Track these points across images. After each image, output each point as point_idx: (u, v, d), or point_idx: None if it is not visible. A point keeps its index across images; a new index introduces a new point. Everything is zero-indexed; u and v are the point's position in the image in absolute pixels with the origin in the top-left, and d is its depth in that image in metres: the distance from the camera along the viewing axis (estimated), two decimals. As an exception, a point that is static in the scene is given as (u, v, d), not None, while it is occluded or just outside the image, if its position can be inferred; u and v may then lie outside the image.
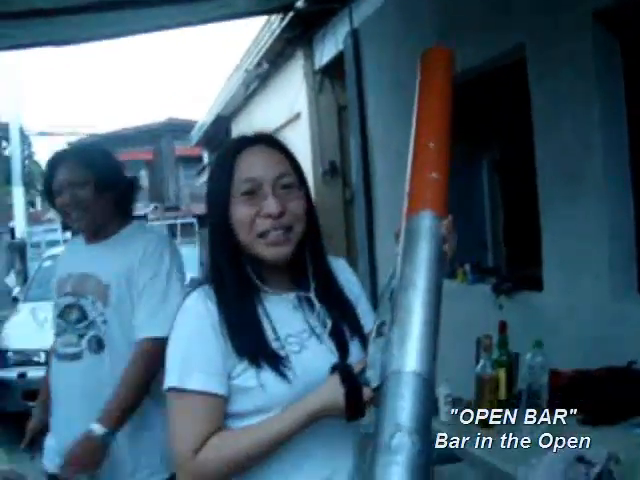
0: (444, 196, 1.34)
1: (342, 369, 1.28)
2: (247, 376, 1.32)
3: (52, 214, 23.35)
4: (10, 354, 5.75)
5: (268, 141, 1.44)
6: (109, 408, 2.12)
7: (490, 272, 4.57)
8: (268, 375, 1.31)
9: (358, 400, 1.24)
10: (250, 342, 1.33)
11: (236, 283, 1.37)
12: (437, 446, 2.72)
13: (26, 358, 5.72)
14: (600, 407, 2.62)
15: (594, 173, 3.17)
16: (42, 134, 24.94)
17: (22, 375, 5.59)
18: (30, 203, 25.67)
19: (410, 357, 1.15)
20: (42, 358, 5.67)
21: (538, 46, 3.50)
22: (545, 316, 3.53)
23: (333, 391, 1.25)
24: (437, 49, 1.55)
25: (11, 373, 5.60)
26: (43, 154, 29.16)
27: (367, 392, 1.23)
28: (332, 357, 1.36)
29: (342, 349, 1.38)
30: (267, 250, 1.37)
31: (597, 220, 3.19)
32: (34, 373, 5.59)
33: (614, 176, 3.15)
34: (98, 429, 2.09)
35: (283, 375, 1.31)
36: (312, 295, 1.42)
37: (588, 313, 3.26)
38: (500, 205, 6.61)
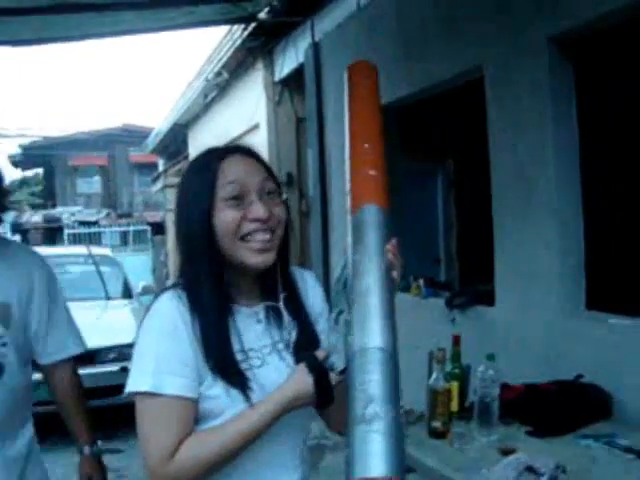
0: (384, 190, 1.40)
1: (308, 358, 1.31)
2: (216, 385, 1.32)
3: None
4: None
5: (246, 151, 1.44)
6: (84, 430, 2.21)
7: (443, 287, 4.64)
8: (235, 391, 1.32)
9: (327, 385, 1.28)
10: (220, 357, 1.33)
11: (213, 294, 1.35)
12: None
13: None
14: (548, 420, 2.69)
15: (546, 192, 3.26)
16: (-8, 136, 24.34)
17: None
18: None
19: (373, 334, 1.20)
20: None
21: (495, 67, 3.59)
22: (496, 330, 3.60)
23: (302, 379, 1.28)
24: (363, 62, 1.64)
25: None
26: (-8, 156, 28.53)
27: (334, 377, 1.28)
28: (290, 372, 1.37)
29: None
30: (252, 256, 1.36)
31: (548, 238, 3.28)
32: None
33: (565, 195, 3.24)
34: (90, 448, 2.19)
35: (246, 396, 1.32)
36: (282, 306, 1.42)
37: (538, 328, 3.35)
38: (454, 221, 6.74)
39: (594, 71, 3.34)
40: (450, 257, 6.79)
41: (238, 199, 1.35)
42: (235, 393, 1.32)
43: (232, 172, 1.36)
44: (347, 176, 1.46)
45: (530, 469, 2.09)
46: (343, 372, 1.27)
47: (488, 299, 3.76)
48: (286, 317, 1.42)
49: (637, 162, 3.83)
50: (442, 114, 5.46)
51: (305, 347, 1.40)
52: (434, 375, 2.61)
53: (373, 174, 1.42)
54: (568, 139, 3.24)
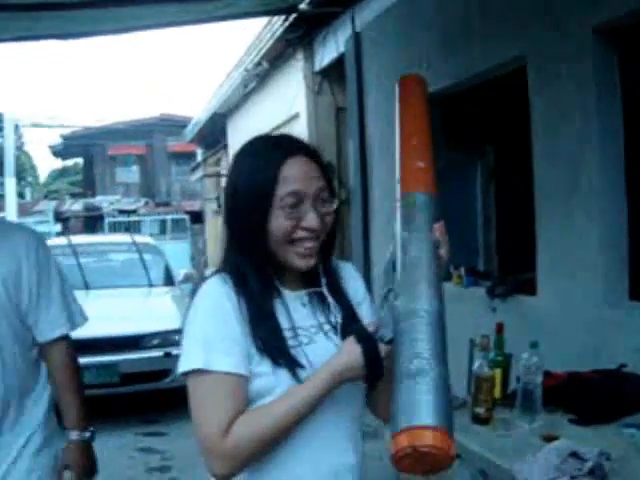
0: (432, 178, 1.49)
1: (357, 330, 1.34)
2: (262, 363, 1.37)
3: (42, 206, 23.31)
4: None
5: (308, 151, 1.45)
6: (74, 413, 2.13)
7: (484, 276, 4.66)
8: (282, 370, 1.36)
9: (376, 356, 1.30)
10: (270, 340, 1.38)
11: (259, 283, 1.41)
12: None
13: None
14: (592, 408, 2.72)
15: (590, 183, 3.27)
16: (35, 126, 24.82)
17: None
18: (19, 194, 25.58)
19: (420, 298, 1.27)
20: (37, 349, 5.72)
21: (539, 57, 3.60)
22: (538, 319, 3.62)
23: (352, 350, 1.31)
24: (413, 75, 1.75)
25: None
26: (34, 146, 29.10)
27: (383, 348, 1.30)
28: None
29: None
30: (297, 260, 1.41)
31: (592, 228, 3.29)
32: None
33: (609, 186, 3.25)
34: (79, 434, 2.12)
35: (294, 373, 1.36)
36: (325, 290, 1.47)
37: (580, 318, 3.37)
38: (493, 211, 6.73)
39: (639, 61, 3.33)
40: (489, 247, 6.79)
41: (294, 206, 1.38)
42: (282, 371, 1.36)
43: (292, 180, 1.38)
44: (397, 167, 1.53)
45: (574, 455, 2.13)
46: (391, 342, 1.30)
47: (529, 288, 3.78)
48: (330, 300, 1.47)
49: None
50: (482, 104, 5.45)
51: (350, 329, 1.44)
52: (478, 362, 2.65)
53: (421, 165, 1.49)
54: (612, 129, 3.24)
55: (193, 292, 1.46)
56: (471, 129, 5.97)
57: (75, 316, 2.18)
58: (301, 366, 1.37)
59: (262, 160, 1.41)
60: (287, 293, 1.46)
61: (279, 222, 1.38)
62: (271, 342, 1.38)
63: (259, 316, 1.39)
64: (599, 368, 2.98)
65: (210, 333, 1.37)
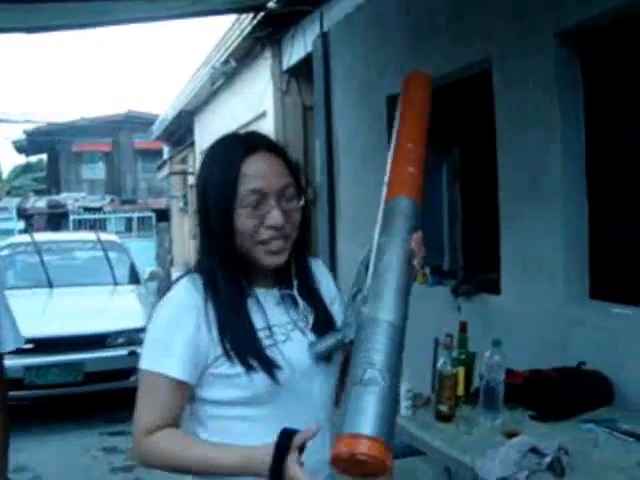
0: (419, 187, 1.49)
1: (279, 441, 1.27)
2: (231, 362, 1.37)
3: (5, 202, 22.91)
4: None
5: (271, 147, 1.45)
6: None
7: (449, 275, 4.71)
8: (257, 373, 1.37)
9: (279, 474, 1.25)
10: (239, 340, 1.38)
11: (229, 283, 1.41)
12: (397, 439, 2.87)
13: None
14: (551, 405, 2.78)
15: (552, 183, 3.33)
16: (-3, 121, 24.38)
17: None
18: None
19: (385, 308, 1.29)
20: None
21: (503, 60, 3.65)
22: (502, 318, 3.67)
23: (266, 456, 1.26)
24: (419, 72, 1.74)
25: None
26: (-3, 141, 28.61)
27: (292, 470, 1.24)
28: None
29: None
30: (266, 258, 1.42)
31: (553, 228, 3.35)
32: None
33: (571, 186, 3.30)
34: None
35: (271, 375, 1.37)
36: (295, 292, 1.48)
37: (542, 316, 3.42)
38: (459, 210, 6.80)
39: (601, 65, 3.39)
40: (454, 247, 6.85)
41: (257, 204, 1.38)
42: (257, 374, 1.36)
43: (253, 178, 1.38)
44: (387, 169, 1.54)
45: (534, 450, 2.18)
46: (352, 343, 1.33)
47: (493, 287, 3.83)
48: (301, 302, 1.48)
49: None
50: (448, 104, 5.50)
51: (323, 327, 1.47)
52: (441, 360, 2.69)
53: (412, 171, 1.50)
54: (575, 132, 3.30)
55: (160, 291, 1.48)
56: (438, 129, 6.01)
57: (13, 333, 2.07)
58: (277, 367, 1.38)
59: (224, 159, 1.42)
60: (260, 291, 1.46)
61: (243, 221, 1.38)
62: (242, 344, 1.38)
63: (229, 318, 1.40)
64: (560, 366, 3.05)
65: (165, 337, 1.40)
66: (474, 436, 2.54)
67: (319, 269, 1.60)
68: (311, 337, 1.46)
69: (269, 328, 1.42)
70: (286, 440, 1.26)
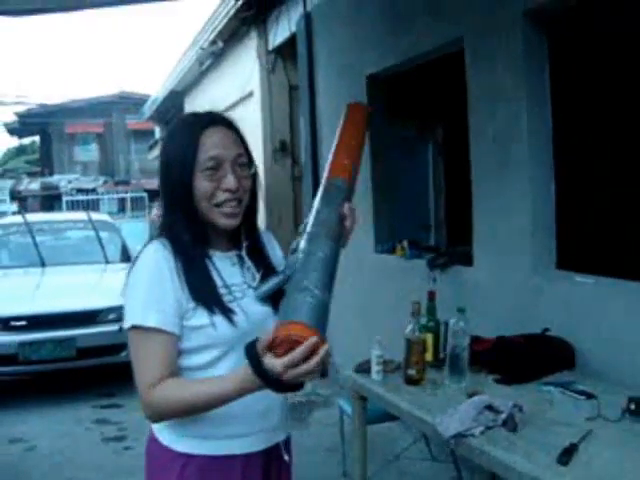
0: (351, 173, 1.83)
1: (247, 350, 1.41)
2: (199, 316, 1.54)
3: (-2, 185, 22.97)
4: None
5: (226, 122, 1.64)
6: None
7: (429, 249, 4.84)
8: (219, 318, 1.54)
9: (262, 370, 1.37)
10: (204, 291, 1.56)
11: (191, 242, 1.59)
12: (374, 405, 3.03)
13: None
14: (515, 369, 2.93)
15: (520, 158, 3.46)
16: (-11, 103, 24.32)
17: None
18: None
19: (319, 244, 1.57)
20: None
21: (474, 39, 3.76)
22: (473, 289, 3.82)
23: (247, 371, 1.40)
24: (361, 104, 2.17)
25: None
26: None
27: (271, 364, 1.36)
28: (265, 305, 1.62)
29: (272, 299, 1.63)
30: (222, 219, 1.60)
31: (522, 202, 3.48)
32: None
33: (538, 162, 3.43)
34: None
35: (230, 320, 1.55)
36: (244, 253, 1.68)
37: (511, 286, 3.57)
38: (443, 187, 6.94)
39: (568, 43, 3.51)
40: (439, 223, 7.00)
41: (214, 170, 1.57)
42: (219, 319, 1.54)
43: (211, 145, 1.57)
44: (330, 158, 1.85)
45: (490, 407, 2.33)
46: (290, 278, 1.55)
47: (468, 260, 3.97)
48: (249, 262, 1.67)
49: (605, 128, 4.03)
50: (432, 82, 5.61)
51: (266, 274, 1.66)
52: (410, 326, 2.83)
53: (347, 162, 1.84)
54: (541, 107, 3.42)
55: (136, 256, 1.62)
56: (421, 107, 6.14)
57: None
58: (236, 314, 1.55)
59: (186, 131, 1.61)
60: (217, 254, 1.64)
61: (201, 184, 1.57)
62: (205, 292, 1.55)
63: (193, 270, 1.56)
64: (526, 332, 3.20)
65: (147, 294, 1.53)
66: (439, 398, 2.69)
67: (268, 238, 1.82)
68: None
69: (227, 287, 1.60)
70: (252, 348, 1.41)
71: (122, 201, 18.96)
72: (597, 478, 1.91)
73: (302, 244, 1.59)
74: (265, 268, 1.69)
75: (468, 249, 4.06)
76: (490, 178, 3.70)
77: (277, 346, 1.35)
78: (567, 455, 2.02)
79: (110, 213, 14.41)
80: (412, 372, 2.85)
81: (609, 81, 4.64)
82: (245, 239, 1.69)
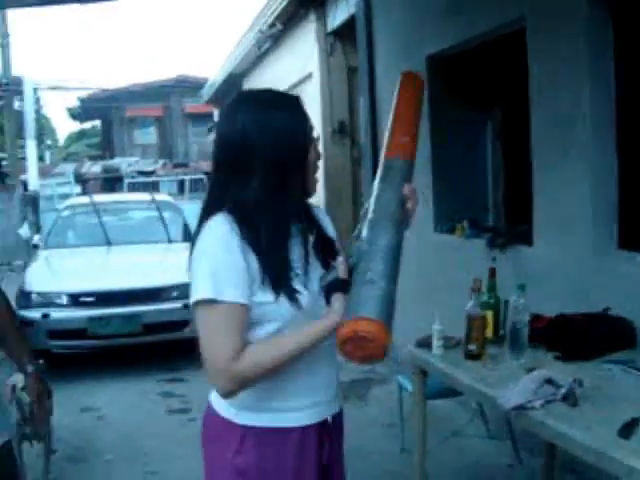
0: (413, 151, 1.83)
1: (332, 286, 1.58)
2: (264, 292, 1.56)
3: (62, 168, 23.60)
4: (34, 296, 6.06)
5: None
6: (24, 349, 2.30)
7: (488, 230, 4.86)
8: (283, 297, 1.57)
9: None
10: (278, 270, 1.57)
11: (287, 216, 1.61)
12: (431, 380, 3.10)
13: (49, 300, 6.05)
14: (575, 346, 2.95)
15: (583, 138, 3.45)
16: (52, 88, 24.99)
17: (45, 315, 5.92)
18: (39, 157, 25.84)
19: (381, 233, 1.58)
20: (64, 300, 6.03)
21: (536, 18, 3.75)
22: (533, 268, 3.84)
23: (340, 306, 1.53)
24: (414, 73, 2.07)
25: (36, 313, 5.94)
26: (52, 108, 29.28)
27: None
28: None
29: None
30: (314, 186, 1.70)
31: (584, 182, 3.48)
32: (56, 314, 5.97)
33: (600, 142, 3.41)
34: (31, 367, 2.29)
35: (295, 300, 1.57)
36: (305, 227, 1.69)
37: (572, 266, 3.58)
38: (501, 168, 6.90)
39: (633, 24, 3.47)
40: (497, 203, 6.97)
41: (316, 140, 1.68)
42: (283, 298, 1.57)
43: (310, 122, 1.68)
44: (386, 136, 1.87)
45: (550, 382, 2.37)
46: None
47: (527, 239, 3.99)
48: (311, 237, 1.70)
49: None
50: (491, 64, 5.58)
51: (328, 259, 1.69)
52: (471, 302, 2.88)
53: (406, 140, 1.83)
54: (604, 88, 3.40)
55: (196, 233, 1.62)
56: (480, 89, 6.11)
57: None
58: (300, 293, 1.58)
59: (290, 104, 1.68)
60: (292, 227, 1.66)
61: (312, 153, 1.66)
62: (278, 272, 1.57)
63: (270, 250, 1.57)
64: (586, 311, 3.21)
65: (218, 266, 1.54)
66: (499, 372, 2.73)
67: (321, 214, 1.83)
68: (318, 264, 1.68)
69: (291, 261, 1.62)
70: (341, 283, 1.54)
71: (181, 183, 19.26)
72: (659, 450, 1.94)
73: (364, 232, 1.60)
74: (323, 241, 1.72)
75: (527, 229, 4.08)
76: (551, 157, 3.70)
77: (345, 343, 1.41)
78: (628, 429, 2.05)
79: (170, 194, 14.66)
80: (472, 347, 2.90)
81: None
82: (305, 214, 1.72)
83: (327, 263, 1.68)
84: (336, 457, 1.78)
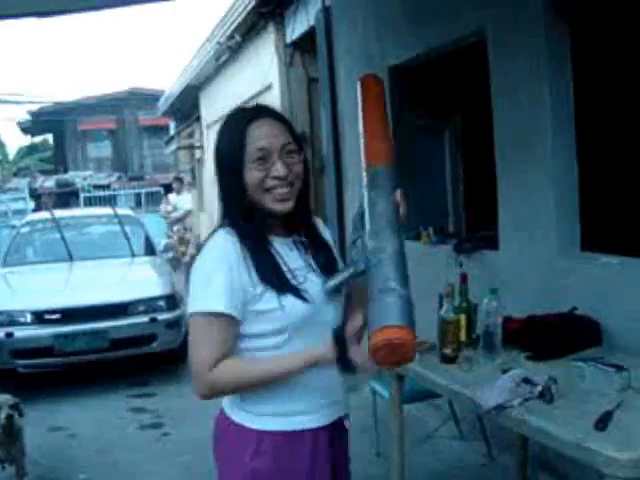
0: (392, 157, 1.85)
1: (335, 333, 1.61)
2: (267, 300, 1.64)
3: (15, 183, 23.20)
4: (-3, 315, 5.97)
5: (271, 113, 1.74)
6: None
7: (451, 235, 4.97)
8: (288, 298, 1.64)
9: (345, 356, 1.58)
10: (273, 274, 1.66)
11: (252, 230, 1.68)
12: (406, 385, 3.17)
13: (12, 318, 5.95)
14: (547, 345, 3.05)
15: (544, 143, 3.56)
16: (1, 102, 24.54)
17: (9, 334, 5.82)
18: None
19: (386, 240, 1.62)
20: (28, 318, 5.94)
21: (496, 30, 3.86)
22: (500, 272, 3.94)
23: (330, 350, 1.60)
24: (372, 75, 2.10)
25: (-1, 333, 5.85)
26: (0, 122, 28.75)
27: (356, 356, 1.57)
28: (326, 293, 1.72)
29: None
30: (274, 204, 1.68)
31: (546, 186, 3.59)
32: (21, 332, 5.88)
33: (561, 146, 3.53)
34: None
35: (302, 297, 1.66)
36: (304, 239, 1.78)
37: (537, 268, 3.69)
38: (461, 174, 7.04)
39: (590, 33, 3.61)
40: (457, 209, 7.11)
41: (262, 159, 1.66)
42: (288, 302, 1.64)
43: (258, 137, 1.66)
44: (362, 145, 1.88)
45: (526, 380, 2.46)
46: (364, 273, 1.63)
47: (492, 244, 4.09)
48: (308, 248, 1.77)
49: (631, 113, 4.12)
50: (450, 72, 5.71)
51: (329, 267, 1.76)
52: (444, 307, 2.96)
53: (384, 147, 1.86)
54: (564, 95, 3.52)
55: (203, 244, 1.73)
56: (440, 97, 6.24)
57: None
58: (305, 299, 1.66)
59: (233, 125, 1.71)
60: (277, 240, 1.74)
61: (252, 174, 1.66)
62: (273, 275, 1.66)
63: (259, 255, 1.66)
64: (554, 312, 3.32)
65: (212, 279, 1.62)
66: (475, 374, 2.81)
67: (319, 223, 1.90)
68: (322, 277, 1.74)
69: (290, 271, 1.70)
70: (340, 332, 1.57)
71: (138, 196, 19.14)
72: (636, 440, 2.03)
73: (368, 241, 1.64)
74: (324, 253, 1.80)
75: (492, 234, 4.18)
76: (515, 163, 3.81)
77: (379, 350, 1.46)
78: (603, 422, 2.15)
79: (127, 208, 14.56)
80: (448, 351, 2.97)
81: (633, 70, 4.73)
82: (301, 224, 1.78)
83: (327, 271, 1.75)
84: (343, 459, 1.87)
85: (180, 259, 11.21)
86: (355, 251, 1.68)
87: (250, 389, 1.67)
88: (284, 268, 1.69)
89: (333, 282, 1.71)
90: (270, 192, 1.67)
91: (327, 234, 1.91)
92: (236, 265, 1.63)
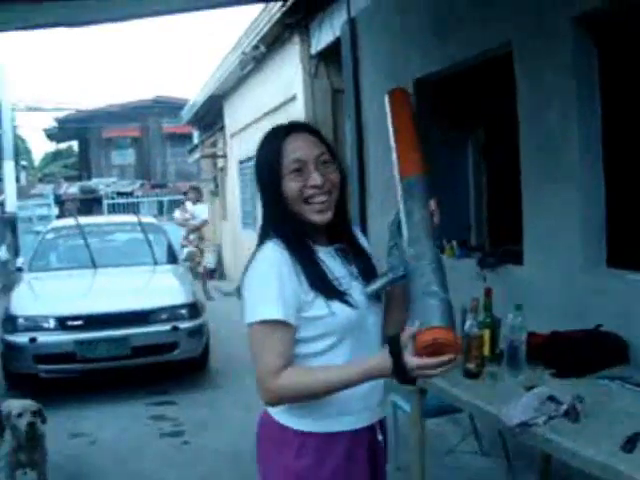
0: (425, 167, 1.89)
1: (392, 343, 1.62)
2: (318, 306, 1.70)
3: (40, 189, 23.45)
4: (20, 320, 6.01)
5: (305, 128, 1.82)
6: None
7: (474, 249, 4.95)
8: (337, 304, 1.70)
9: (401, 366, 1.57)
10: (321, 281, 1.72)
11: (296, 240, 1.74)
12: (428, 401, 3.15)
13: (36, 324, 6.00)
14: (571, 363, 3.02)
15: (571, 159, 3.55)
16: (29, 109, 24.90)
17: (33, 340, 5.87)
18: (15, 178, 25.63)
19: (424, 247, 1.68)
20: (51, 324, 5.99)
21: (523, 44, 3.85)
22: (524, 287, 3.91)
23: (386, 360, 1.60)
24: (400, 89, 2.12)
25: (23, 338, 5.89)
26: (26, 129, 29.13)
27: (410, 361, 1.56)
28: (368, 299, 1.78)
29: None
30: (314, 215, 1.75)
31: (573, 203, 3.57)
32: (44, 338, 5.92)
33: (588, 162, 3.51)
34: None
35: (348, 303, 1.72)
36: (344, 247, 1.84)
37: (562, 285, 3.66)
38: (484, 188, 7.01)
39: (618, 49, 3.58)
40: (480, 223, 7.08)
41: (299, 170, 1.74)
42: (337, 308, 1.70)
43: (293, 150, 1.74)
44: (395, 157, 1.92)
45: (552, 398, 2.43)
46: (404, 277, 1.69)
47: (516, 259, 4.06)
48: (351, 256, 1.84)
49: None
50: (475, 84, 5.70)
51: (369, 274, 1.82)
52: (468, 322, 2.94)
53: (416, 157, 1.90)
54: (591, 112, 3.50)
55: (254, 255, 1.78)
56: (463, 110, 6.23)
57: None
58: (352, 305, 1.72)
59: (271, 140, 1.80)
60: (320, 249, 1.80)
61: (289, 185, 1.74)
62: (322, 281, 1.72)
63: (308, 263, 1.73)
64: (578, 329, 3.28)
65: (270, 289, 1.68)
66: (498, 390, 2.79)
67: (357, 231, 1.97)
68: (363, 283, 1.80)
69: (337, 279, 1.76)
70: (395, 342, 1.58)
71: (160, 204, 19.27)
72: (663, 464, 2.00)
73: (406, 248, 1.71)
74: (364, 261, 1.85)
75: (517, 248, 4.16)
76: (540, 179, 3.80)
77: (425, 349, 1.51)
78: (631, 443, 2.12)
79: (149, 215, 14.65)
80: (471, 366, 2.95)
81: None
82: (341, 233, 1.84)
83: (367, 278, 1.81)
84: (381, 461, 1.91)
85: (195, 268, 11.10)
86: (393, 257, 1.75)
87: (310, 399, 1.70)
88: (330, 276, 1.75)
89: (374, 287, 1.77)
90: (309, 203, 1.74)
91: (365, 242, 1.97)
92: (288, 274, 1.69)
